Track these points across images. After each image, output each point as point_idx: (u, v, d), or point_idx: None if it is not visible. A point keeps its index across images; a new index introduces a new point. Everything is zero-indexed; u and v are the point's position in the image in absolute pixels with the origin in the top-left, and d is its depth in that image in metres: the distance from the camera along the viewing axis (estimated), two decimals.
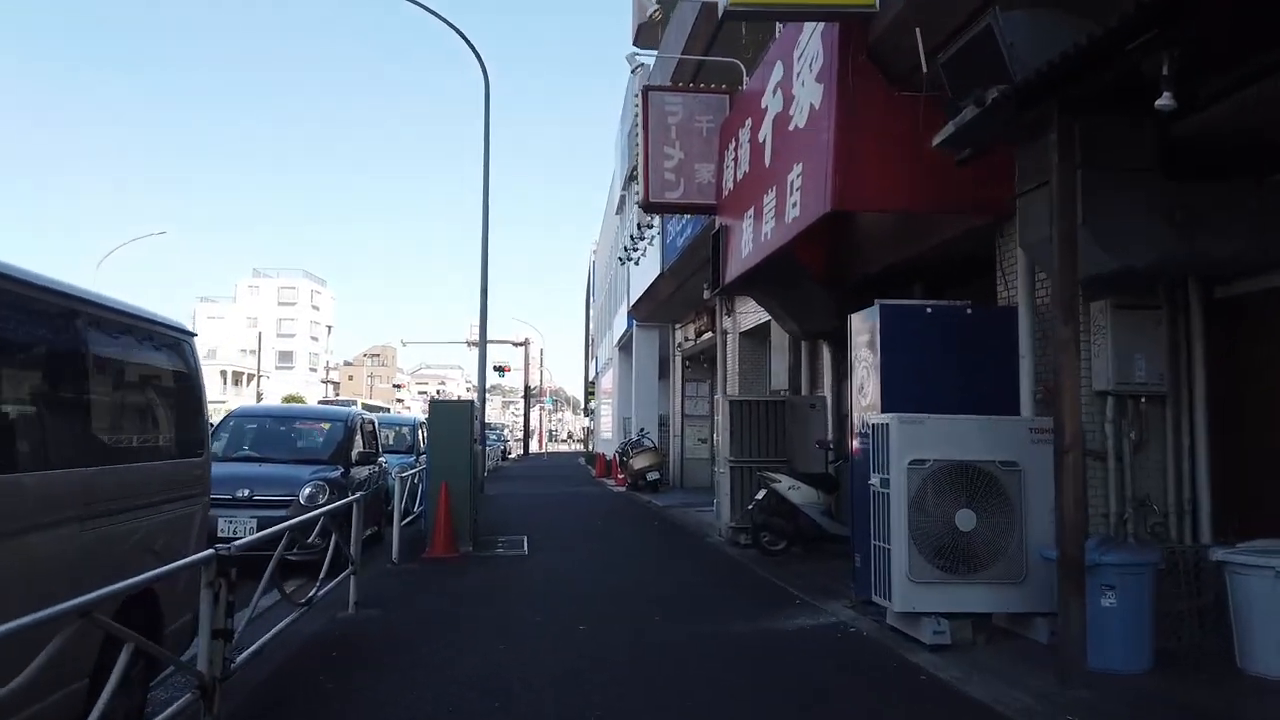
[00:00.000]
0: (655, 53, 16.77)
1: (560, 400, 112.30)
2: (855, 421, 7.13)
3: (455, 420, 10.62)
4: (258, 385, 74.33)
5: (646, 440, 20.13)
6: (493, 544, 10.83)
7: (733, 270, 9.76)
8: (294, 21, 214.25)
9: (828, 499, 9.28)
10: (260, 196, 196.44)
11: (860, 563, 6.51)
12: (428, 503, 10.47)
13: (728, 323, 16.20)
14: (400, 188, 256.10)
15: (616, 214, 33.70)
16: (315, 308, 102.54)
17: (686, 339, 19.63)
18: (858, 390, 7.20)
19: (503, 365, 62.03)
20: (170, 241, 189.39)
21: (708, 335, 17.78)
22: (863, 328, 7.15)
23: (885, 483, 5.77)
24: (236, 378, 79.31)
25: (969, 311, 6.86)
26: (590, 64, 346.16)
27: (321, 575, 6.34)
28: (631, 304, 20.85)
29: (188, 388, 5.22)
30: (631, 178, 28.39)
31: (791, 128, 7.85)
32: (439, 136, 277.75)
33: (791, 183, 7.91)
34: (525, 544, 10.90)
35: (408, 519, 11.06)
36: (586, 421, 78.23)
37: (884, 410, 6.33)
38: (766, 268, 9.17)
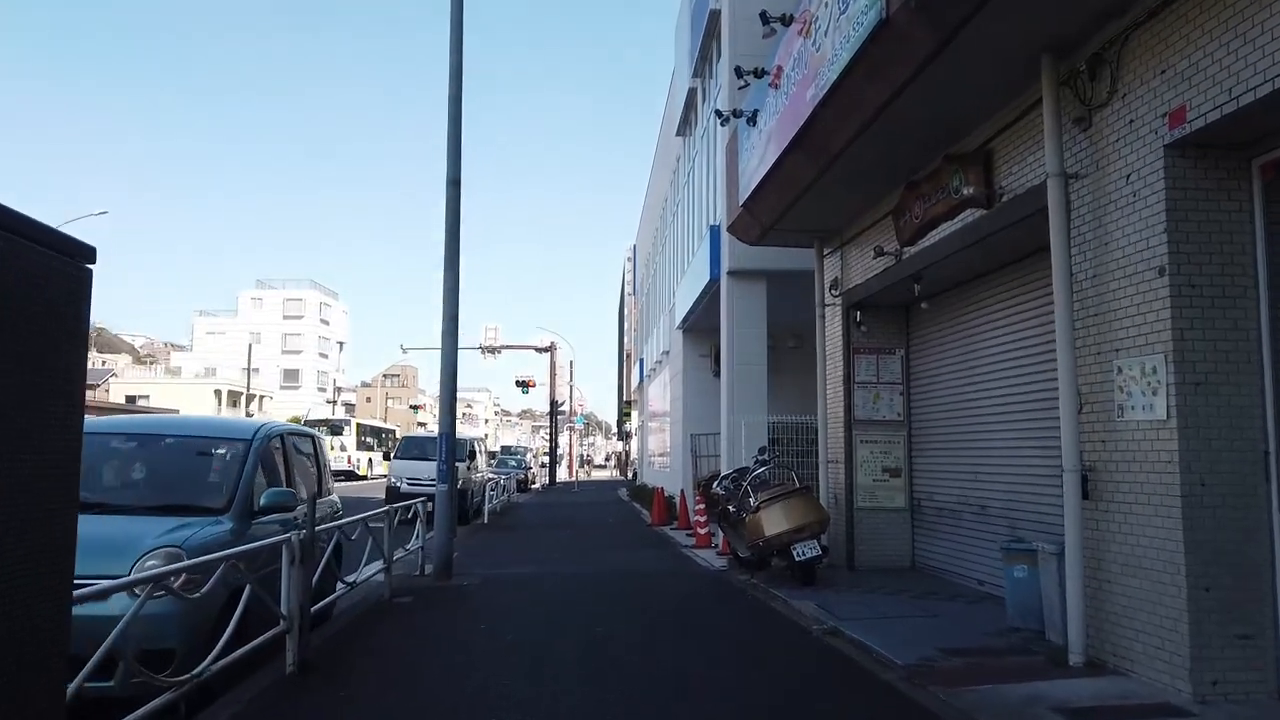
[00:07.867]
0: None
1: (592, 424, 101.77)
2: None
3: None
4: (251, 406, 65.20)
5: (779, 471, 9.82)
6: None
7: None
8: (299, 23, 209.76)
9: None
10: (278, 209, 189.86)
11: None
12: None
13: (1079, 150, 5.92)
14: (422, 206, 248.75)
15: (678, 135, 23.68)
16: (325, 321, 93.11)
17: (880, 252, 9.24)
18: None
19: (526, 379, 51.72)
20: (173, 254, 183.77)
21: (948, 227, 7.57)
22: None
23: None
24: (234, 398, 69.83)
25: None
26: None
27: None
28: (745, 196, 10.47)
29: None
30: (705, 52, 18.56)
31: None
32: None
33: None
34: None
35: None
36: (619, 446, 68.19)
37: None
38: None
